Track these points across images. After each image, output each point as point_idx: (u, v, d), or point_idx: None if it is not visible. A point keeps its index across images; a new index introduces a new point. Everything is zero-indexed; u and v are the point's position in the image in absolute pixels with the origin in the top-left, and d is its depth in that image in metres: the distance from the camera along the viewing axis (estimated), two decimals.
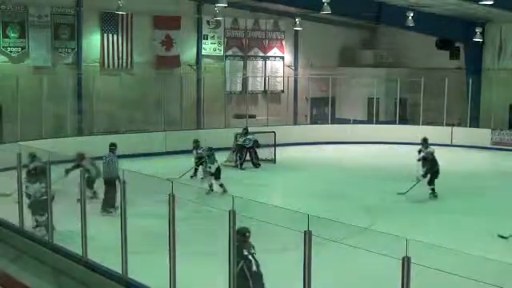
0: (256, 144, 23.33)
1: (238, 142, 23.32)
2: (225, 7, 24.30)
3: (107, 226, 12.27)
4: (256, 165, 23.13)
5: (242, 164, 22.97)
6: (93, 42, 27.10)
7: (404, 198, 18.06)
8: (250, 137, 23.37)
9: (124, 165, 11.94)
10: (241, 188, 18.10)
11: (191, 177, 20.06)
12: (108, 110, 26.14)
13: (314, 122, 32.14)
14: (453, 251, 11.65)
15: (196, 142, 20.62)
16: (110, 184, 15.33)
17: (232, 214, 8.01)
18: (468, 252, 11.18)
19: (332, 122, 30.59)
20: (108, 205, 15.32)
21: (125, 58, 27.59)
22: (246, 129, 23.95)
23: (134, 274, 9.60)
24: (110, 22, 27.13)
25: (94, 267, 10.27)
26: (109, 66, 27.31)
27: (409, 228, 13.82)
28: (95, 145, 21.52)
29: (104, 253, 10.49)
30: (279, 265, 11.54)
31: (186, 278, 9.11)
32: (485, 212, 16.63)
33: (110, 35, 27.22)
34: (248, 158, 23.34)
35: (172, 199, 8.74)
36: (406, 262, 6.51)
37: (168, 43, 28.78)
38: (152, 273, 9.62)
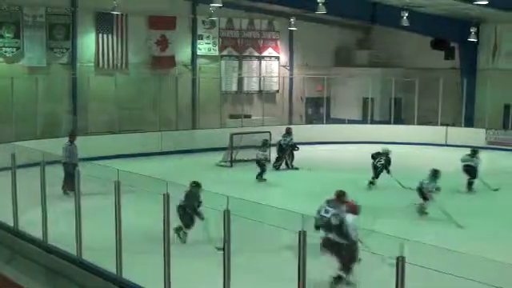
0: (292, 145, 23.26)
1: (287, 143, 23.13)
2: (220, 7, 24.28)
3: (102, 225, 12.23)
4: (276, 167, 22.94)
5: (292, 164, 22.96)
6: (88, 42, 27.07)
7: (400, 198, 18.13)
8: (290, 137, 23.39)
9: (119, 165, 11.92)
10: (235, 188, 18.06)
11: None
12: (103, 110, 26.09)
13: (309, 121, 32.18)
14: (451, 251, 11.68)
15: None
16: (71, 170, 15.95)
17: (227, 214, 8.02)
18: (466, 252, 11.22)
19: (327, 122, 30.63)
20: (69, 188, 16.27)
21: (120, 58, 27.56)
22: (288, 129, 23.85)
23: (128, 275, 9.60)
24: (104, 22, 27.08)
25: (88, 268, 10.26)
26: (104, 66, 27.27)
27: (406, 228, 13.85)
28: (90, 145, 21.51)
29: (99, 253, 10.48)
30: (274, 265, 11.56)
31: (180, 279, 9.11)
32: (481, 211, 16.67)
33: (105, 35, 27.18)
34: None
35: (167, 199, 8.74)
36: (401, 262, 6.51)
37: (163, 43, 28.75)
38: (146, 273, 9.62)
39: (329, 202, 11.77)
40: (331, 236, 10.70)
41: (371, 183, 19.48)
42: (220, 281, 8.12)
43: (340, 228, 10.64)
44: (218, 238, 10.75)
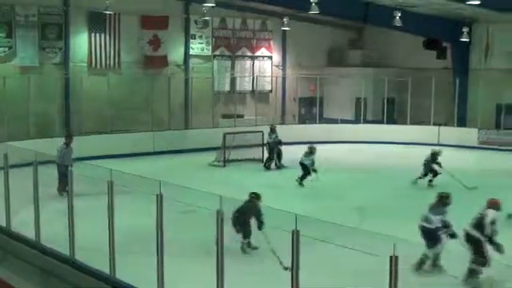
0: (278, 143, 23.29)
1: (273, 140, 23.22)
2: (212, 7, 24.28)
3: (95, 225, 12.23)
4: (267, 166, 23.10)
5: (280, 162, 23.05)
6: (80, 41, 26.99)
7: (393, 197, 18.21)
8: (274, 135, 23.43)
9: (112, 165, 11.89)
10: (229, 188, 18.06)
11: None
12: (96, 110, 26.03)
13: (302, 121, 32.19)
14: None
15: None
16: (64, 171, 15.96)
17: (220, 214, 8.02)
18: (457, 251, 11.27)
19: (320, 122, 30.65)
20: (62, 188, 16.27)
21: (112, 57, 27.50)
22: (272, 127, 23.94)
23: (122, 275, 9.59)
24: (97, 22, 27.02)
25: (81, 268, 10.24)
26: (96, 65, 27.21)
27: (399, 227, 13.84)
28: (83, 145, 21.45)
29: (92, 253, 10.46)
30: (269, 264, 11.56)
31: (174, 279, 9.10)
32: (473, 211, 16.69)
33: (98, 35, 27.11)
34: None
35: (160, 199, 8.73)
36: (394, 261, 6.52)
37: (156, 43, 28.70)
38: (140, 273, 9.60)
39: (431, 209, 11.55)
40: (469, 229, 10.73)
41: (430, 182, 19.70)
42: (214, 281, 8.12)
43: (479, 223, 10.67)
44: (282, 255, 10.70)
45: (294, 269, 7.46)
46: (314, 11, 24.23)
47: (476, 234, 10.59)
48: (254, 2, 28.97)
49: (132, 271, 9.81)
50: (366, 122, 30.36)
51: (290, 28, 31.33)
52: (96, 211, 10.87)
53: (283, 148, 23.43)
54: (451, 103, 29.62)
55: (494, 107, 29.36)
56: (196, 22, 29.79)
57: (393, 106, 31.95)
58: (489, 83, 28.71)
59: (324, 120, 31.29)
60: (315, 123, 30.61)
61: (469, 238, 10.69)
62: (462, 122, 29.55)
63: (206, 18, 29.57)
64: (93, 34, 27.03)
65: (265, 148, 23.69)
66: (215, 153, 23.86)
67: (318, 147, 27.11)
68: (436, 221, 11.27)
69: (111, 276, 9.57)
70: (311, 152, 20.20)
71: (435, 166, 19.66)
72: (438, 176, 19.62)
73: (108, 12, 26.34)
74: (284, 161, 23.06)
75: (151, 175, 14.74)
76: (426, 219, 11.40)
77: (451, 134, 28.57)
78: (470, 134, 28.17)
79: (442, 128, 28.95)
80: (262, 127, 25.46)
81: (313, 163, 19.96)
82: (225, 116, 29.92)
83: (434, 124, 29.05)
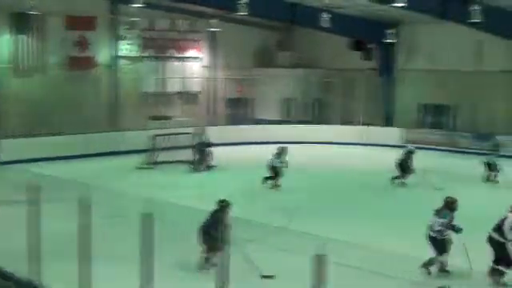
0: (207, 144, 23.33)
1: (201, 142, 23.33)
2: (141, 7, 24.08)
3: (20, 232, 11.98)
4: (196, 169, 23.06)
5: (210, 163, 23.10)
6: (3, 42, 26.32)
7: (324, 198, 18.45)
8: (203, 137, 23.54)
9: (39, 169, 11.67)
10: (157, 190, 17.90)
11: None
12: (21, 113, 25.41)
13: (231, 122, 32.24)
14: (366, 248, 11.95)
15: None
16: None
17: (149, 217, 7.96)
18: (382, 249, 11.49)
19: (250, 123, 30.77)
20: None
21: (38, 58, 26.90)
22: (202, 129, 23.92)
23: (47, 282, 9.42)
24: (21, 23, 26.37)
25: (5, 276, 10.01)
26: (21, 67, 26.57)
27: (325, 228, 14.05)
28: (8, 149, 20.97)
29: (16, 260, 10.23)
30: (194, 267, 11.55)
31: (101, 284, 8.99)
32: (395, 209, 17.12)
33: (22, 36, 26.47)
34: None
35: (86, 203, 8.61)
36: (320, 261, 6.57)
37: (83, 44, 28.22)
38: (66, 279, 9.45)
39: (436, 213, 11.47)
40: (491, 232, 10.94)
41: (394, 178, 20.15)
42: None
43: (499, 226, 10.85)
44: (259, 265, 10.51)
45: (223, 270, 7.47)
46: (243, 12, 24.33)
47: (496, 236, 10.89)
48: (183, 3, 28.84)
49: (58, 277, 9.65)
50: (295, 122, 30.64)
51: (219, 29, 31.33)
52: (21, 217, 10.64)
53: (213, 149, 23.50)
54: (378, 103, 30.20)
55: (418, 106, 30.14)
56: (124, 23, 29.43)
57: (322, 107, 32.35)
58: (414, 83, 29.43)
59: (254, 121, 31.43)
60: (245, 124, 30.70)
61: (490, 241, 10.97)
62: (388, 122, 30.17)
63: (134, 19, 29.25)
64: (17, 35, 26.38)
65: (193, 150, 23.65)
66: (144, 155, 23.66)
67: (251, 148, 27.45)
68: (437, 224, 11.30)
69: (36, 283, 9.38)
70: (281, 153, 20.08)
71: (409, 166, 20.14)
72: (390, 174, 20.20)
73: (32, 12, 25.74)
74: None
75: (79, 178, 14.56)
76: (430, 226, 11.45)
77: (378, 133, 29.17)
78: (395, 133, 28.82)
79: (370, 128, 29.50)
80: (191, 129, 25.39)
81: (286, 165, 19.86)
82: (154, 118, 29.66)
83: (362, 124, 29.59)
